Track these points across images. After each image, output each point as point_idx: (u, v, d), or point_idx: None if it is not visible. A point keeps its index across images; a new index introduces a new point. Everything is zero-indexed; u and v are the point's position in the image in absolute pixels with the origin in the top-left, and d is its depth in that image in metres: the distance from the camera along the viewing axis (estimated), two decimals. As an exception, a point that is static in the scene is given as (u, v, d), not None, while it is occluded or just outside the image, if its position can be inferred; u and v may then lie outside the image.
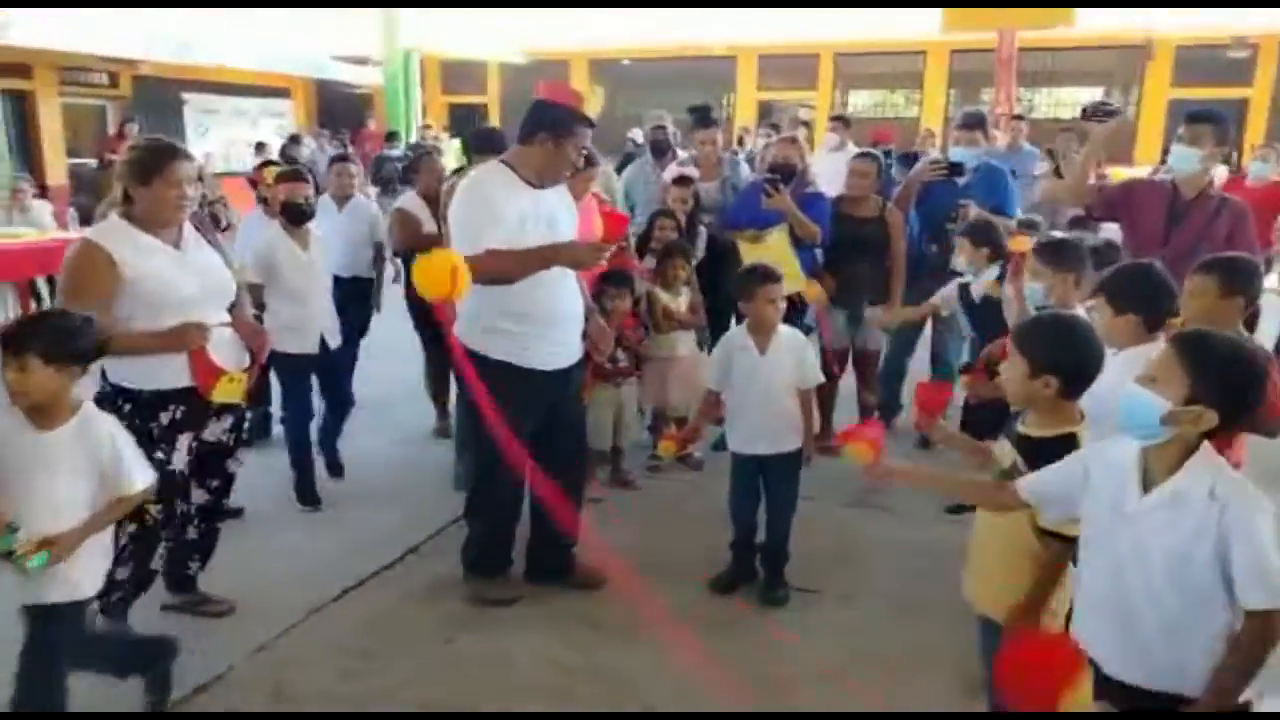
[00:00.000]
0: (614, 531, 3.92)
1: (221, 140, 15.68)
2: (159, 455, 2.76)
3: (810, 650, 3.07)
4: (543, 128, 2.99)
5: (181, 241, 2.87)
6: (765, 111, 15.00)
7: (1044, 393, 2.08)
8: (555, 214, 3.11)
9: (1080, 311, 2.80)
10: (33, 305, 6.70)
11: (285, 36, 13.71)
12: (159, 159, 2.78)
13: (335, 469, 4.48)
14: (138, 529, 2.82)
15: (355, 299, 4.88)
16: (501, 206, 2.98)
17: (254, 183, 5.29)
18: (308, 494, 4.14)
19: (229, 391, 2.89)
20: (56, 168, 12.69)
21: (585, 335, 3.40)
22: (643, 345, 4.39)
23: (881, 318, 4.60)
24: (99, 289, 2.69)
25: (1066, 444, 2.07)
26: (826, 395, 4.81)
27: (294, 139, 10.65)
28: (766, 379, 3.29)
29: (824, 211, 4.52)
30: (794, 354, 3.32)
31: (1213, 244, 3.66)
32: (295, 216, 4.02)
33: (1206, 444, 1.75)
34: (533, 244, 3.01)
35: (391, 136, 11.22)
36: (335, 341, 4.15)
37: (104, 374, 2.78)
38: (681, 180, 4.66)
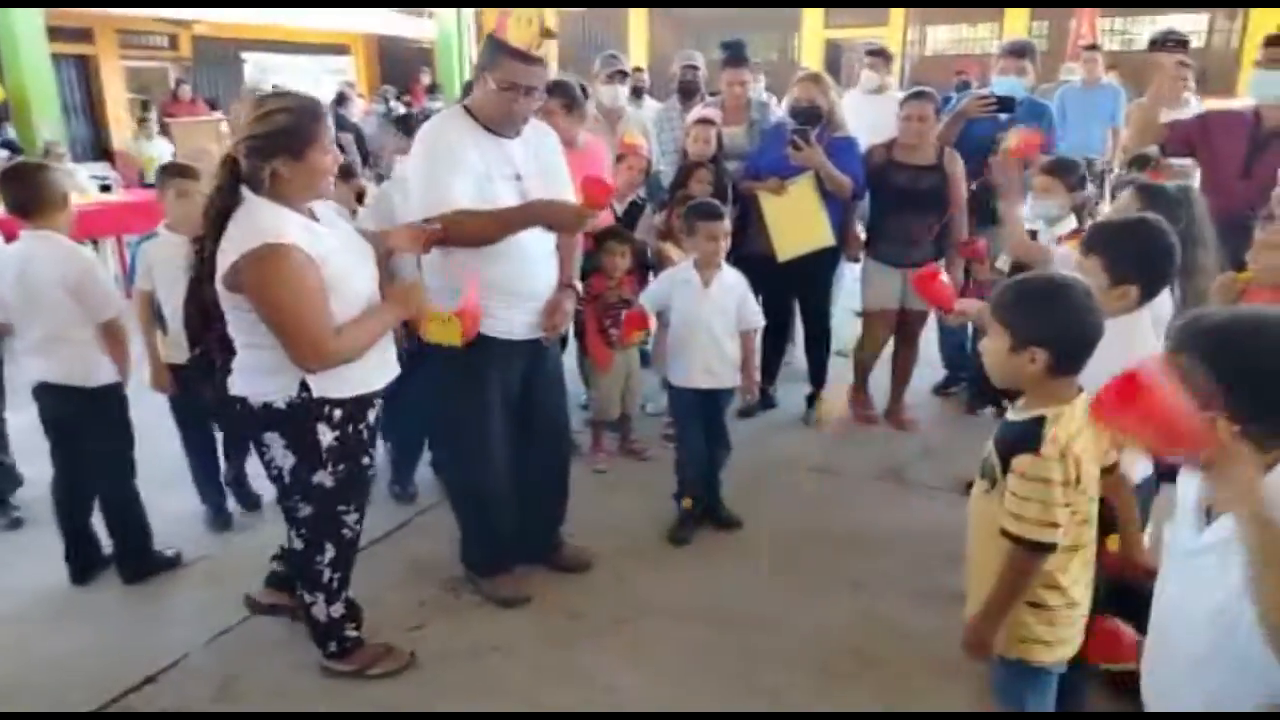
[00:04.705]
0: (613, 506, 3.69)
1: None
2: (365, 460, 2.48)
3: (805, 649, 2.77)
4: (481, 64, 2.62)
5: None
6: (833, 53, 14.24)
7: (1030, 369, 1.68)
8: (521, 167, 2.74)
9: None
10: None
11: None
12: (314, 122, 2.20)
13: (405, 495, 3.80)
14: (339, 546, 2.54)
15: None
16: (465, 153, 2.62)
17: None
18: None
19: (446, 333, 2.49)
20: (121, 131, 12.86)
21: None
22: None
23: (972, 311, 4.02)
24: (321, 299, 2.18)
25: (1031, 430, 1.67)
26: (904, 366, 4.46)
27: (340, 98, 9.82)
28: (709, 315, 3.29)
29: (855, 160, 4.09)
30: (734, 295, 3.33)
31: None
32: None
33: None
34: (503, 199, 2.66)
35: (433, 89, 10.48)
36: None
37: (304, 385, 2.27)
38: (703, 121, 4.26)
